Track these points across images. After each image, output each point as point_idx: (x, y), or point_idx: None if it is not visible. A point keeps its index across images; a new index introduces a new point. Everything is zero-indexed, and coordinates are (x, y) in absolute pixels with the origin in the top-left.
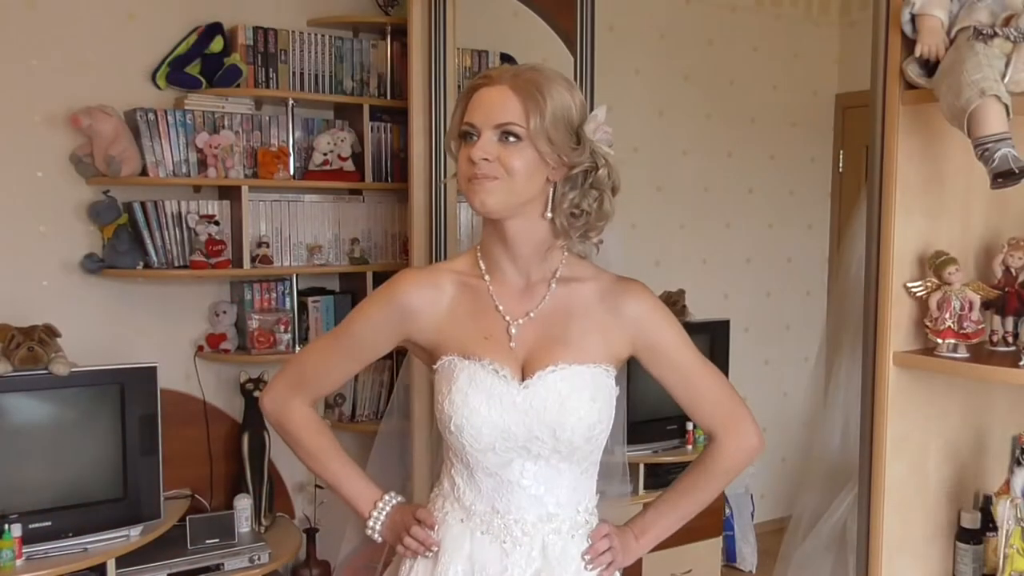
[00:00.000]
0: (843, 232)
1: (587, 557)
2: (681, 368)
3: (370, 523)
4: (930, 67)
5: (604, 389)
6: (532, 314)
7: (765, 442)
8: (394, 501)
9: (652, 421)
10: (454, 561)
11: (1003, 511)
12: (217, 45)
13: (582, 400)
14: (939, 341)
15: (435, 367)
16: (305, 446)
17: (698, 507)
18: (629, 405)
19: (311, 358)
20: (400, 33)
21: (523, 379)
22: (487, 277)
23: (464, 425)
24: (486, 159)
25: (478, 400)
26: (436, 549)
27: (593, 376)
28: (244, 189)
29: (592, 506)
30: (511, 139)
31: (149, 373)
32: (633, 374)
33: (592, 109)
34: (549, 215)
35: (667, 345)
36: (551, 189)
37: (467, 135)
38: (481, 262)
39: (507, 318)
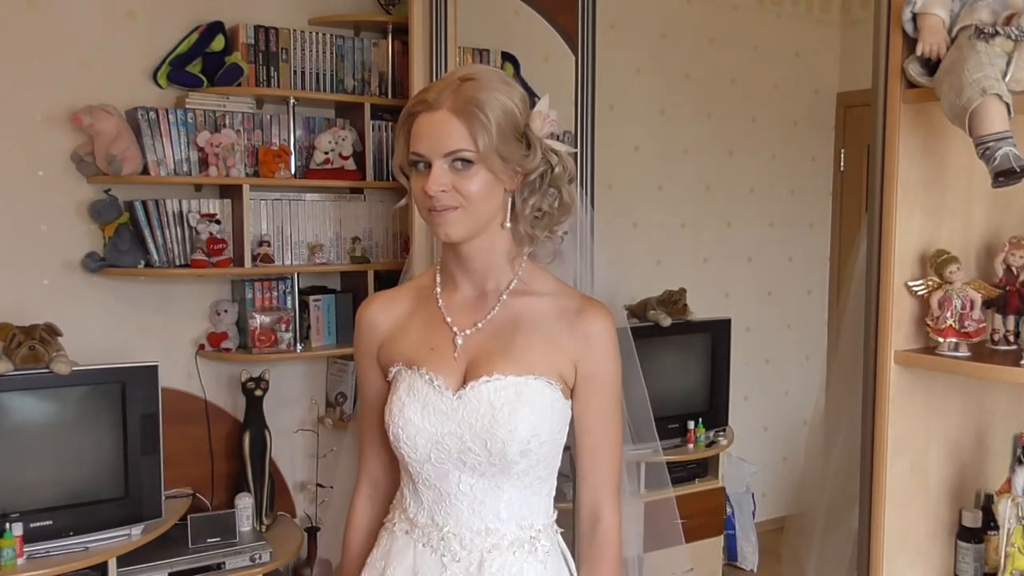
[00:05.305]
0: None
1: None
2: (601, 408)
3: None
4: (931, 66)
5: (544, 403)
6: (480, 325)
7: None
8: None
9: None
10: (397, 573)
11: (1004, 510)
12: (218, 44)
13: (516, 412)
14: (940, 340)
15: (388, 378)
16: (344, 536)
17: None
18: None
19: (358, 429)
20: (401, 32)
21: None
22: (439, 290)
23: (400, 435)
24: (443, 191)
25: (413, 410)
26: None
27: (533, 389)
28: (245, 188)
29: (544, 523)
30: (462, 164)
31: (150, 372)
32: (632, 375)
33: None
34: (508, 225)
35: (603, 379)
36: (509, 199)
37: (416, 163)
38: (439, 275)
39: (454, 329)
